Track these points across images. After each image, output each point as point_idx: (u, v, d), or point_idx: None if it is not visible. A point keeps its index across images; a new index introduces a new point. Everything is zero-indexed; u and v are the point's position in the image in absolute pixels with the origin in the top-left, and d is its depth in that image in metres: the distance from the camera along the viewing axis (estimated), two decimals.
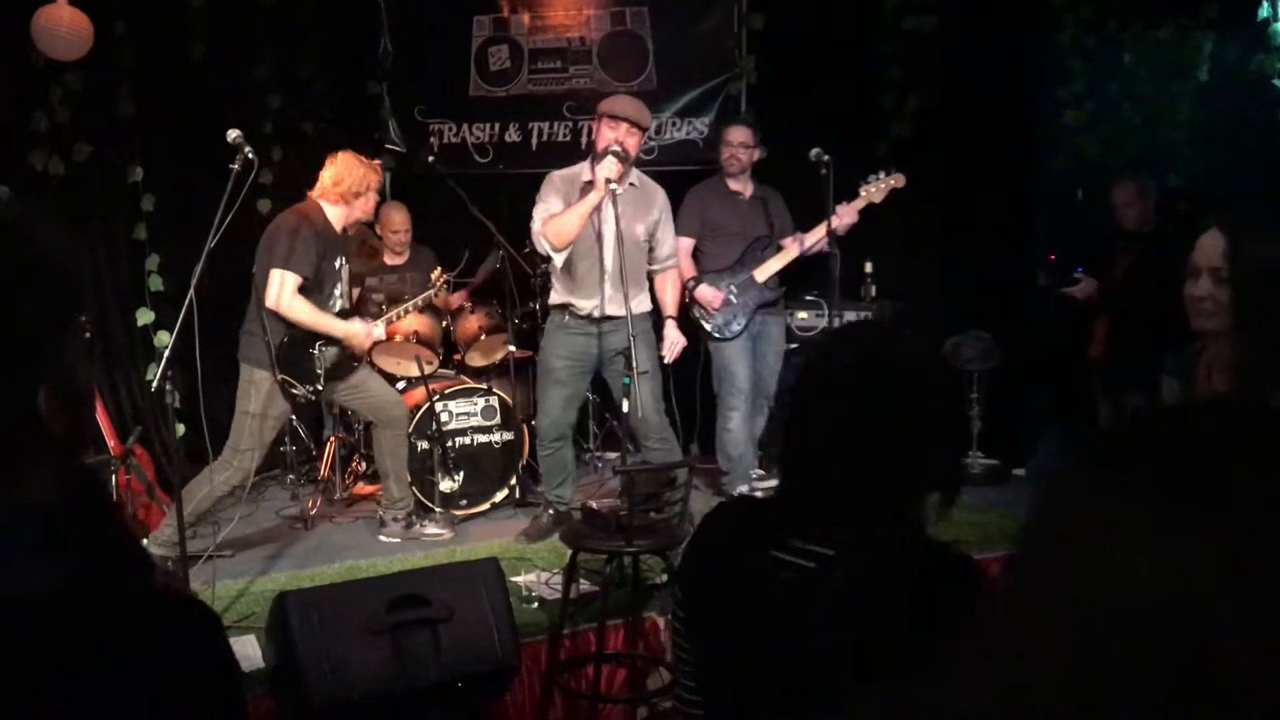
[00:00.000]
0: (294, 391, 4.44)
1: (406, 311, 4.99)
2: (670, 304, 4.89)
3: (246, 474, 4.49)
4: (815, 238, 5.28)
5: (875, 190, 5.31)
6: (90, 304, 5.33)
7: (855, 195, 5.30)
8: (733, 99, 6.49)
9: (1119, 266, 5.29)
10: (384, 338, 4.91)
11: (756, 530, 1.52)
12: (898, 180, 5.33)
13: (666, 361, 4.82)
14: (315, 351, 4.48)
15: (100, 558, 0.99)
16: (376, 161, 4.71)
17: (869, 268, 5.93)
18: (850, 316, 5.71)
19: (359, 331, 4.62)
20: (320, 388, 4.52)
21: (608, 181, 4.25)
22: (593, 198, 4.33)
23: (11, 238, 0.92)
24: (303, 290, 4.39)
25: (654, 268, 4.83)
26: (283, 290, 4.33)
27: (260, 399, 4.40)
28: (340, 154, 4.59)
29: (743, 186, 5.49)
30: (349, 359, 4.63)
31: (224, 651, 1.02)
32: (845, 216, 5.24)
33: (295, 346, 4.43)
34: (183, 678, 0.94)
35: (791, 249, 5.33)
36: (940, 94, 6.12)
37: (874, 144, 6.23)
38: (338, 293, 4.60)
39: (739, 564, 1.52)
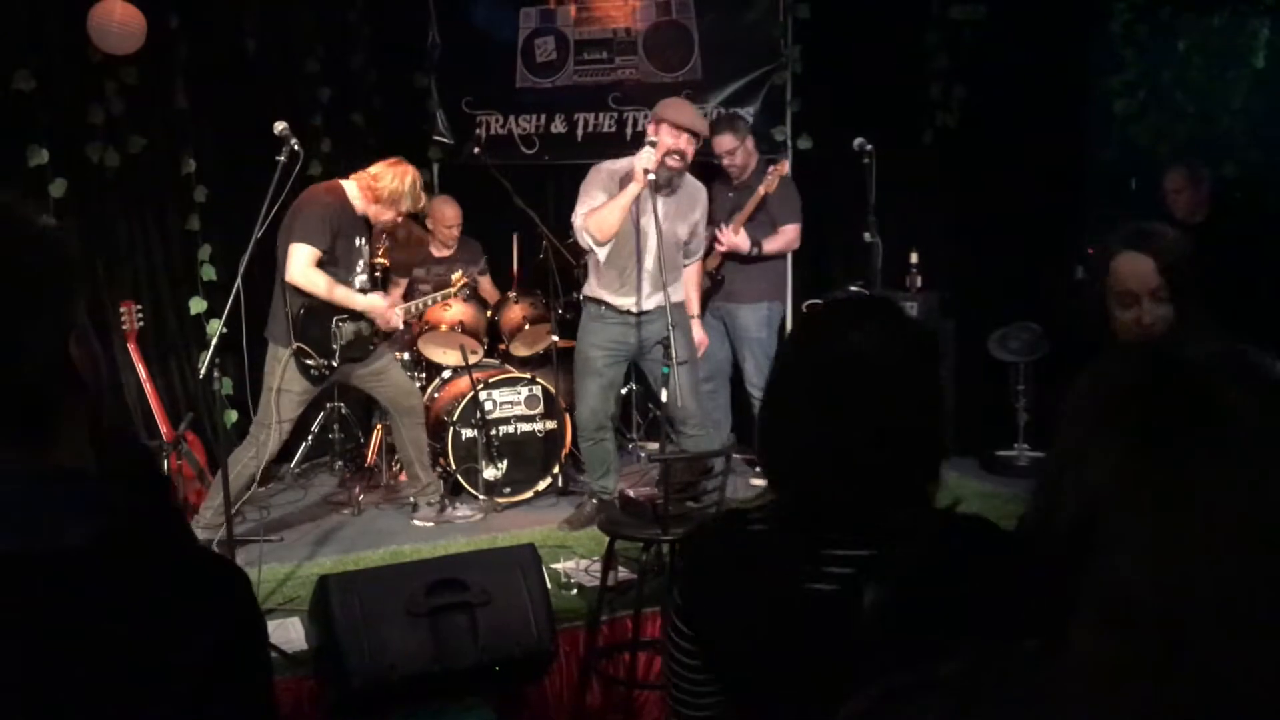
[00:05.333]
0: (309, 363, 4.51)
1: (425, 305, 5.02)
2: (694, 301, 4.91)
3: (273, 449, 4.59)
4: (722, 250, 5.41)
5: (769, 182, 5.38)
6: (83, 289, 5.41)
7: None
8: (778, 89, 6.46)
9: None
10: (401, 327, 4.97)
11: (769, 551, 1.39)
12: (782, 168, 5.48)
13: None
14: (333, 327, 4.56)
15: (137, 515, 1.04)
16: (425, 202, 4.83)
17: (914, 258, 5.88)
18: None
19: (381, 306, 4.69)
20: (335, 364, 4.58)
21: (646, 172, 4.26)
22: (632, 189, 4.34)
23: (10, 209, 1.00)
24: (325, 267, 4.46)
25: (684, 261, 4.83)
26: (300, 263, 4.41)
27: (281, 374, 4.50)
28: (410, 167, 4.65)
29: (738, 180, 5.56)
30: (365, 340, 4.69)
31: (251, 609, 1.05)
32: (724, 240, 5.32)
33: (313, 318, 4.51)
34: (213, 632, 0.98)
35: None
36: (988, 83, 6.04)
37: (920, 133, 6.18)
38: (359, 269, 4.66)
39: (768, 591, 1.37)
